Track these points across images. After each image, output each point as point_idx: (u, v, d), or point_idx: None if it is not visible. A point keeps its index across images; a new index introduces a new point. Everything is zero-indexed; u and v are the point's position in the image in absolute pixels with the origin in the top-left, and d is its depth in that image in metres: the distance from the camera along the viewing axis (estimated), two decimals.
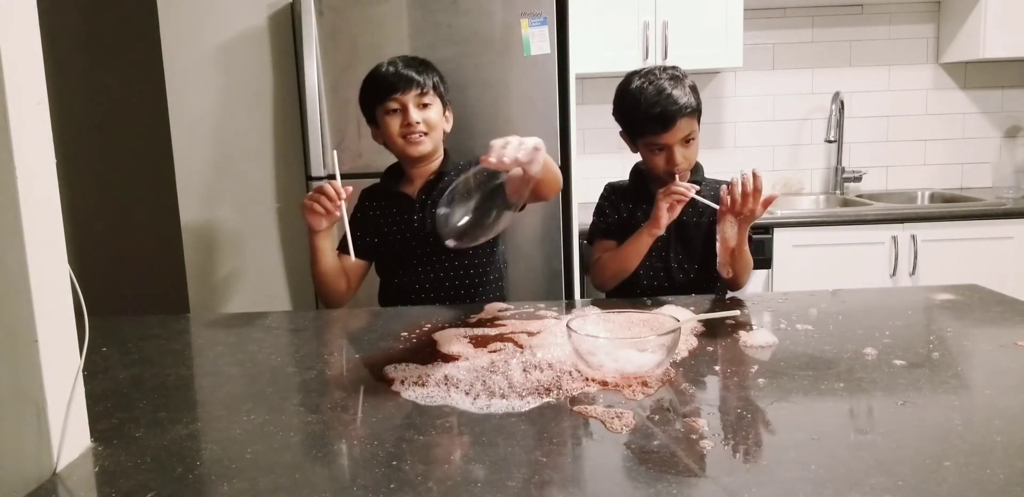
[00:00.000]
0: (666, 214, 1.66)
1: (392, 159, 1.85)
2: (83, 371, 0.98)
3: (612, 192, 1.90)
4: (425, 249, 1.79)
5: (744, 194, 1.59)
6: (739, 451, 0.92)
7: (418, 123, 1.71)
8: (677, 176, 1.71)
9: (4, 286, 0.87)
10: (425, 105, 1.73)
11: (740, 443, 0.94)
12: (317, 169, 2.41)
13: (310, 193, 1.68)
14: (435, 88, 1.74)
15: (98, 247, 3.28)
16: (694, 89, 1.73)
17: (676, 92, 1.68)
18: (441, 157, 1.82)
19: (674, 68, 1.76)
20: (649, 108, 1.68)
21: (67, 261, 0.95)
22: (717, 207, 1.65)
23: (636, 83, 1.73)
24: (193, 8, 2.47)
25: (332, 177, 1.69)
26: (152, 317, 1.67)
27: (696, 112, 1.71)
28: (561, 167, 2.44)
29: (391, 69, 1.73)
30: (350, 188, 1.66)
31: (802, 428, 0.98)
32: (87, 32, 3.24)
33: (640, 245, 1.73)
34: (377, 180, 1.90)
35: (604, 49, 2.86)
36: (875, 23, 3.29)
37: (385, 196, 1.85)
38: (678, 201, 1.65)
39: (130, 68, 3.19)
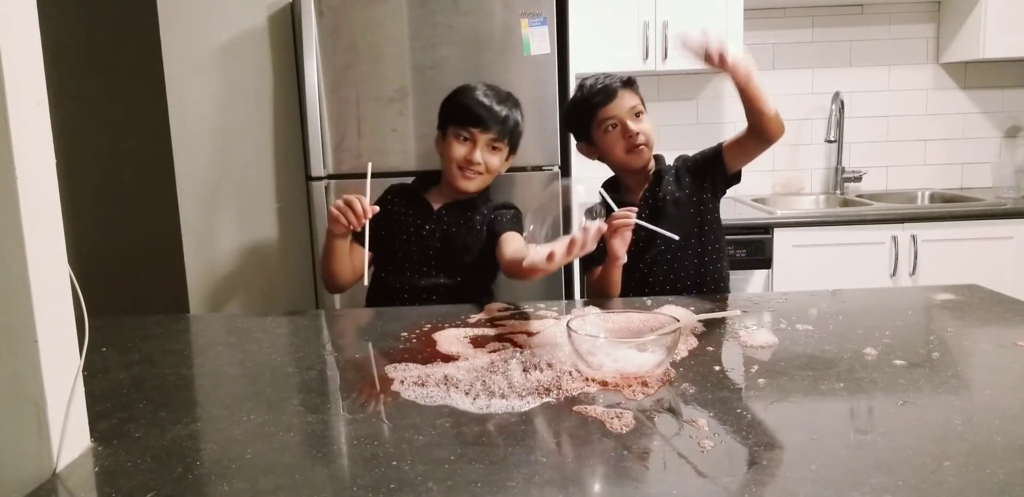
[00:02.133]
0: (620, 248, 1.66)
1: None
2: (83, 371, 0.98)
3: (588, 213, 1.93)
4: (423, 257, 1.84)
5: (708, 57, 1.60)
6: (739, 451, 0.92)
7: (479, 164, 1.76)
8: (638, 154, 1.77)
9: (4, 286, 0.87)
10: (495, 148, 1.78)
11: (740, 443, 0.94)
12: (317, 169, 2.41)
13: (338, 203, 1.65)
14: (512, 134, 1.80)
15: (98, 247, 3.28)
16: (633, 80, 1.82)
17: (607, 75, 1.80)
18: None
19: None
20: (590, 90, 1.79)
21: (67, 261, 0.95)
22: (666, 233, 1.64)
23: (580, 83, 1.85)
24: (193, 8, 2.47)
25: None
26: (152, 317, 1.67)
27: (636, 89, 1.80)
28: (561, 167, 2.45)
29: (485, 100, 1.77)
30: (377, 208, 1.65)
31: (802, 428, 0.98)
32: (87, 32, 3.24)
33: (613, 276, 1.76)
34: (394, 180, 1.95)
35: (604, 49, 2.86)
36: (875, 23, 3.29)
37: (409, 198, 1.89)
38: (624, 227, 1.65)
39: (130, 68, 3.19)
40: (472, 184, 1.80)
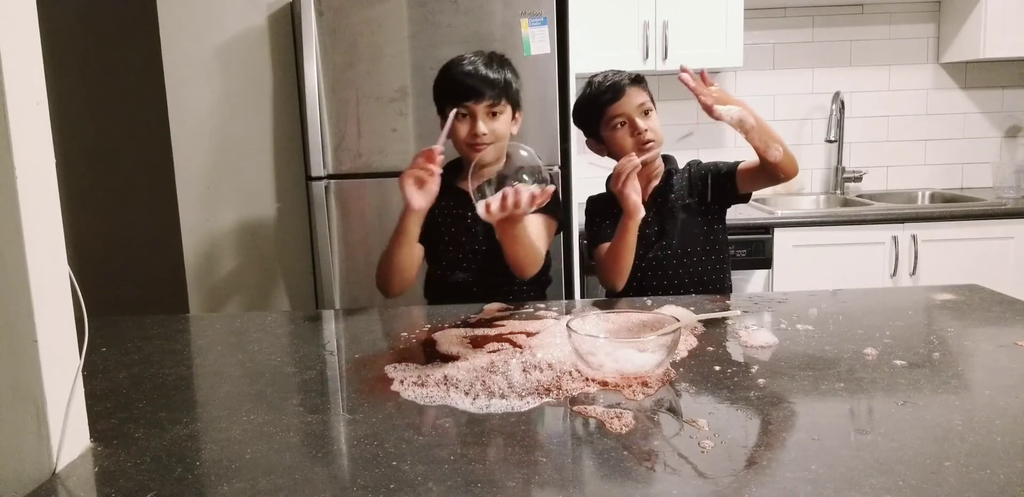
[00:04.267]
0: (633, 196, 1.66)
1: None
2: (83, 371, 0.98)
3: (594, 203, 1.93)
4: (473, 246, 1.80)
5: (696, 91, 1.64)
6: (739, 451, 0.92)
7: (485, 134, 1.72)
8: (645, 154, 1.74)
9: (4, 286, 0.87)
10: (495, 114, 1.73)
11: (740, 443, 0.94)
12: (317, 169, 2.41)
13: (411, 166, 1.62)
14: (507, 94, 1.75)
15: (98, 247, 3.28)
16: (642, 77, 1.82)
17: (617, 72, 1.79)
18: (504, 159, 1.81)
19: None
20: (599, 87, 1.79)
21: (67, 261, 0.95)
22: (661, 157, 1.73)
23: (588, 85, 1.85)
24: (193, 8, 2.47)
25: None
26: (152, 317, 1.67)
27: (644, 86, 1.80)
28: (561, 167, 2.45)
29: (470, 69, 1.72)
30: (441, 148, 1.62)
31: (802, 428, 0.98)
32: (87, 32, 3.24)
33: (628, 236, 1.72)
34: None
35: (604, 49, 2.86)
36: (875, 23, 3.29)
37: (442, 190, 1.80)
38: (632, 168, 1.65)
39: (130, 68, 3.19)
40: (487, 155, 1.74)
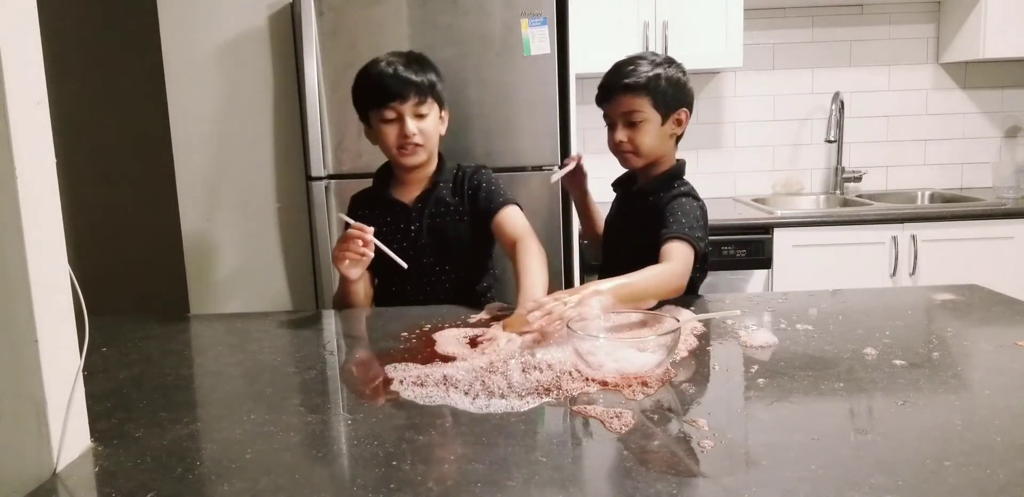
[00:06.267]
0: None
1: (382, 159, 1.83)
2: (83, 371, 0.98)
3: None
4: (421, 260, 1.76)
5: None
6: (739, 451, 0.92)
7: (414, 134, 1.67)
8: (628, 160, 1.71)
9: (4, 286, 0.87)
10: (422, 115, 1.69)
11: (740, 443, 0.94)
12: (317, 169, 2.41)
13: (338, 245, 1.62)
14: (432, 92, 1.70)
15: (98, 247, 3.28)
16: (671, 80, 1.67)
17: (633, 69, 1.66)
18: (435, 162, 1.80)
19: (668, 58, 1.72)
20: (603, 78, 1.71)
21: (67, 261, 0.95)
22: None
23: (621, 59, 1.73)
24: (193, 8, 2.47)
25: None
26: (152, 317, 1.67)
27: (646, 93, 1.65)
28: (561, 167, 2.44)
29: (389, 70, 1.67)
30: (372, 227, 1.59)
31: (802, 428, 0.98)
32: (87, 32, 3.24)
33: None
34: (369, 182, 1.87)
35: (604, 49, 2.85)
36: (875, 23, 3.29)
37: (378, 202, 1.81)
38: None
39: (130, 68, 3.19)
40: (418, 157, 1.71)
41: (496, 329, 1.39)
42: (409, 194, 1.80)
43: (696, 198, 1.69)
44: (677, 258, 1.52)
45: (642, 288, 1.44)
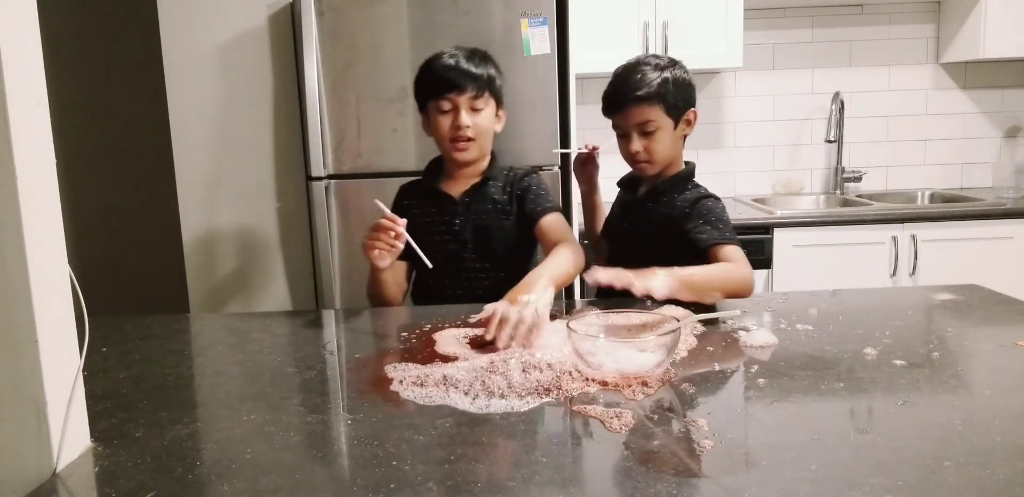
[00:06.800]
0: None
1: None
2: (83, 371, 0.98)
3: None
4: (462, 254, 1.76)
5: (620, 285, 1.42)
6: (739, 451, 0.92)
7: (468, 127, 1.68)
8: (643, 167, 1.71)
9: (4, 286, 0.87)
10: (478, 109, 1.70)
11: (740, 443, 0.94)
12: (317, 169, 2.41)
13: (369, 234, 1.61)
14: (491, 87, 1.71)
15: (98, 247, 3.28)
16: (678, 83, 1.67)
17: (640, 78, 1.66)
18: (488, 159, 1.79)
19: (670, 59, 1.72)
20: (610, 88, 1.70)
21: (67, 261, 0.95)
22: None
23: (621, 65, 1.73)
24: (193, 8, 2.47)
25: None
26: (152, 317, 1.67)
27: (658, 101, 1.65)
28: (561, 167, 2.45)
29: (451, 62, 1.68)
30: (404, 220, 1.59)
31: (802, 428, 0.98)
32: (87, 32, 3.24)
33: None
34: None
35: (604, 49, 2.86)
36: (875, 23, 3.29)
37: (425, 194, 1.81)
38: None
39: (130, 68, 3.19)
40: (468, 153, 1.71)
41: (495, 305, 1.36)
42: (458, 188, 1.80)
43: (717, 198, 1.73)
44: (739, 260, 1.58)
45: (705, 279, 1.49)
